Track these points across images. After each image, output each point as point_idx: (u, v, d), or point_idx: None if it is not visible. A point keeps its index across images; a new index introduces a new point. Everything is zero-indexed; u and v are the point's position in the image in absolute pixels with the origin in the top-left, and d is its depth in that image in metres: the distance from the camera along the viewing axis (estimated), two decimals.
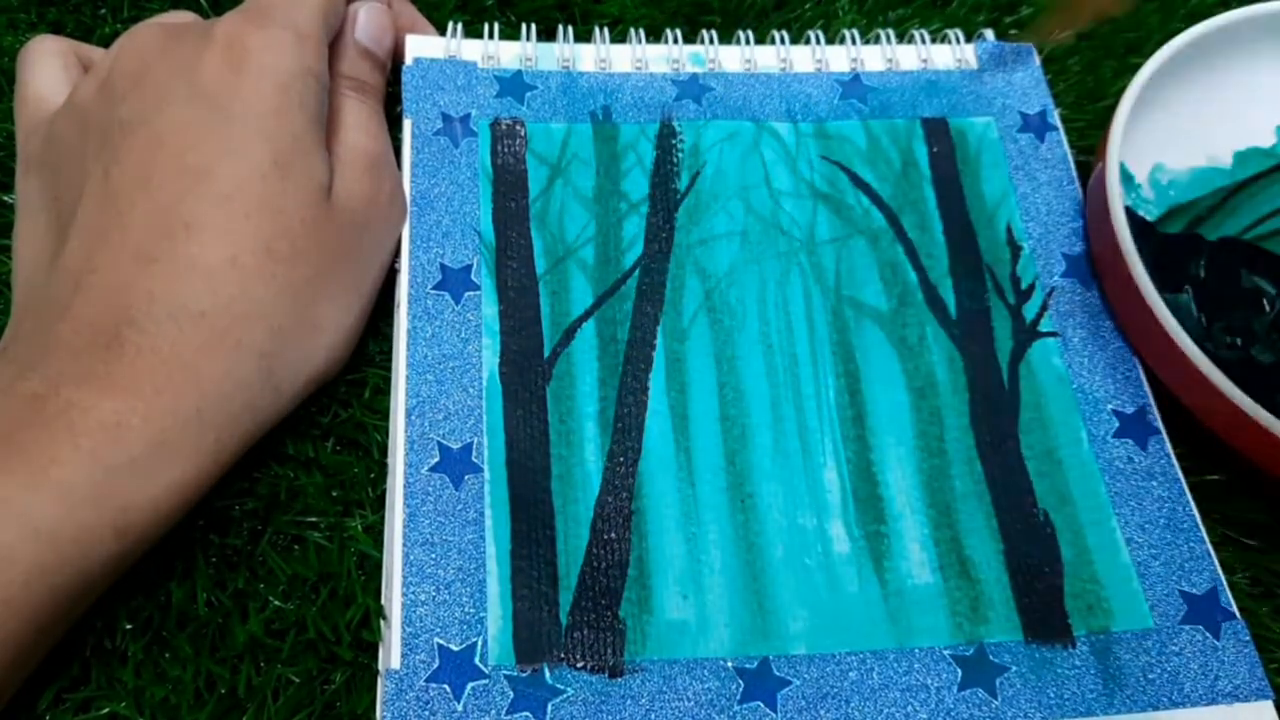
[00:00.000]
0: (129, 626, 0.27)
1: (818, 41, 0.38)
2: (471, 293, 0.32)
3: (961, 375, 0.33)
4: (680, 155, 0.36)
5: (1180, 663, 0.28)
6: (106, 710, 0.26)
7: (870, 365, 0.33)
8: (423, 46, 0.36)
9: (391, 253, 0.32)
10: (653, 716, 0.27)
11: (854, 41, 0.39)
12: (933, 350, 0.33)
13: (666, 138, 0.36)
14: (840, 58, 0.38)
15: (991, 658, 0.28)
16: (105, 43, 0.34)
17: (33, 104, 0.32)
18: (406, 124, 0.35)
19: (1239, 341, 0.33)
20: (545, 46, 0.37)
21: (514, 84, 0.36)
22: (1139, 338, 0.33)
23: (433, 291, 0.32)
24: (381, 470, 0.30)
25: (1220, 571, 0.30)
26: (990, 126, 0.37)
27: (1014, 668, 0.28)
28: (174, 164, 0.28)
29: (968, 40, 0.39)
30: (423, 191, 0.33)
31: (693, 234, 0.34)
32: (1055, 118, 0.38)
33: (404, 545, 0.28)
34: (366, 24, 0.34)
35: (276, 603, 0.28)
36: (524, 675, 0.27)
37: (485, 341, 0.31)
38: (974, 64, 0.39)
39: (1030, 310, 0.34)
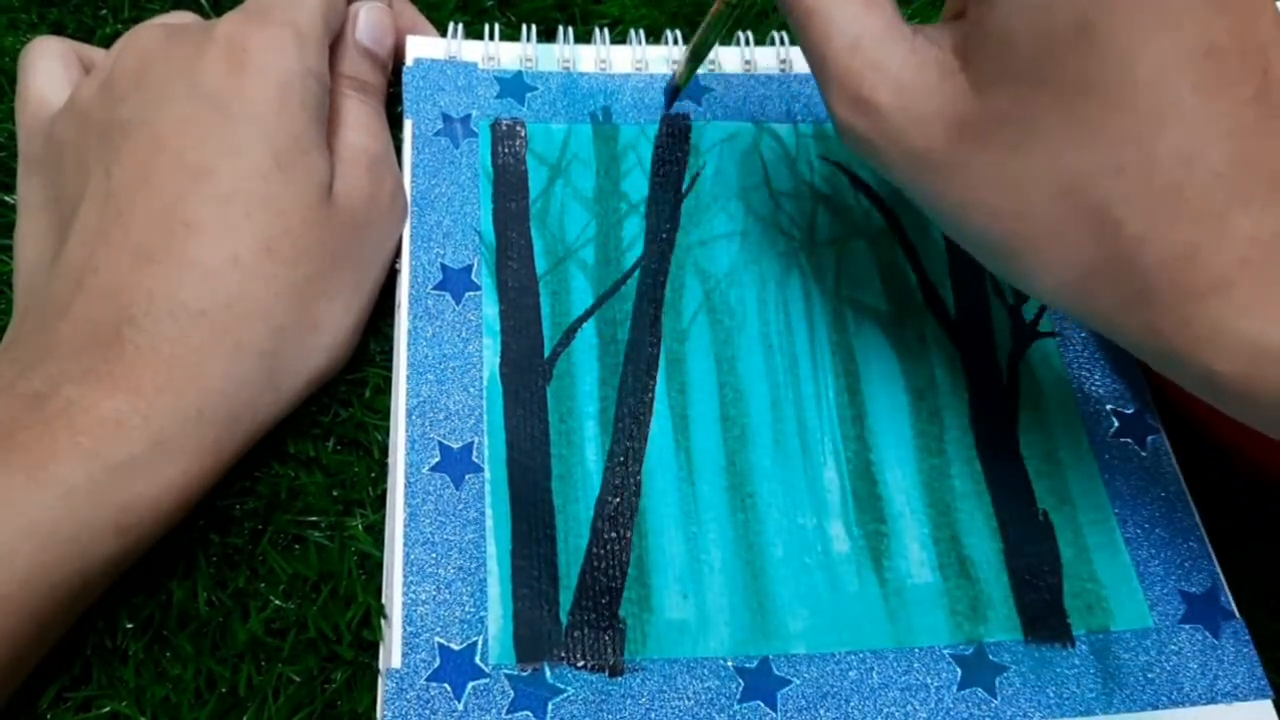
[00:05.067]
0: (130, 625, 0.27)
1: None
2: (472, 293, 0.32)
3: (961, 375, 0.33)
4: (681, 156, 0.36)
5: (1180, 662, 0.28)
6: (107, 709, 0.26)
7: (870, 365, 0.33)
8: (423, 47, 0.36)
9: (392, 252, 0.32)
10: (653, 716, 0.27)
11: None
12: (932, 350, 0.33)
13: (666, 138, 0.36)
14: None
15: (991, 657, 0.28)
16: (106, 43, 0.34)
17: (34, 104, 0.32)
18: (407, 124, 0.35)
19: None
20: (545, 47, 0.37)
21: (514, 85, 0.36)
22: None
23: (433, 291, 0.32)
24: (382, 470, 0.30)
25: (1220, 571, 0.30)
26: None
27: (1013, 667, 0.28)
28: (174, 163, 0.28)
29: None
30: (423, 192, 0.33)
31: (693, 234, 0.34)
32: None
33: (404, 544, 0.28)
34: (367, 24, 0.34)
35: (277, 602, 0.28)
36: (524, 674, 0.27)
37: (486, 341, 0.32)
38: None
39: (1029, 310, 0.34)
